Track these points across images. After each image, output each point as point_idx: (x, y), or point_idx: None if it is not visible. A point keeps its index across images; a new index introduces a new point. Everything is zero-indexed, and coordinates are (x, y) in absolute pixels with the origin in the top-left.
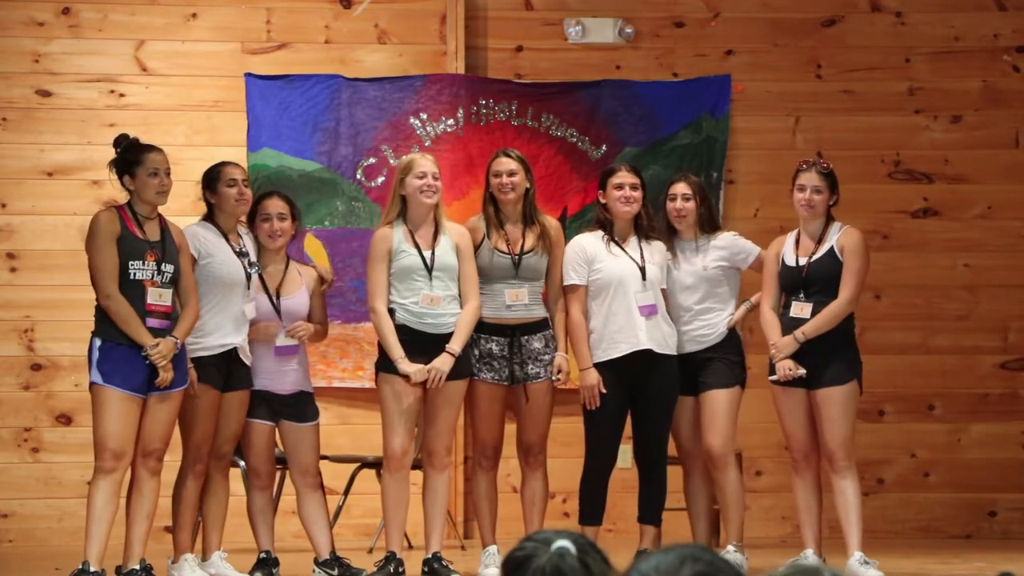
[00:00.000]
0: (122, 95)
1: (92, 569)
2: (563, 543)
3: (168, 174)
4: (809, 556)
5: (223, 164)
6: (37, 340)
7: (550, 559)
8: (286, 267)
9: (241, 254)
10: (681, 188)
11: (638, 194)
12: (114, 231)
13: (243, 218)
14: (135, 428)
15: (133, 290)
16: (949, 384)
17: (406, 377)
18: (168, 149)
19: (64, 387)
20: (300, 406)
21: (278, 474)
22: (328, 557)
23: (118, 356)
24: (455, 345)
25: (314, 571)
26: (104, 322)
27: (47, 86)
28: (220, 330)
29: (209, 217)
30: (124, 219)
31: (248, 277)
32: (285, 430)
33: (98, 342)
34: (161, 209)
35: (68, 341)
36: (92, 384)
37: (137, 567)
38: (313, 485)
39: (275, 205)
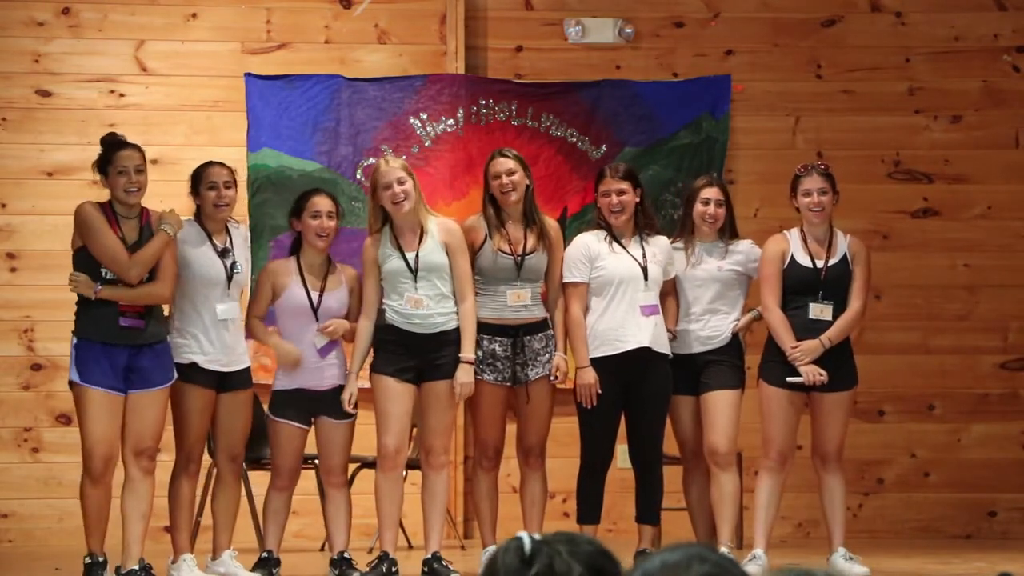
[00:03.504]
0: (122, 95)
1: (100, 559)
2: (520, 535)
3: (139, 171)
4: (759, 556)
5: (208, 165)
6: (37, 340)
7: (495, 551)
8: (328, 265)
9: (224, 253)
10: (715, 193)
11: (626, 198)
12: (104, 218)
13: (233, 216)
14: (119, 427)
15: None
16: (949, 384)
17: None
18: (168, 149)
19: (64, 387)
20: (337, 401)
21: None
22: (336, 556)
23: (92, 354)
24: (468, 353)
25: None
26: (81, 319)
27: (47, 86)
28: (204, 348)
29: (196, 215)
30: (107, 216)
31: (229, 277)
32: (320, 426)
33: (75, 340)
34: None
35: (68, 341)
36: (71, 382)
37: (136, 567)
38: (337, 484)
39: (325, 203)
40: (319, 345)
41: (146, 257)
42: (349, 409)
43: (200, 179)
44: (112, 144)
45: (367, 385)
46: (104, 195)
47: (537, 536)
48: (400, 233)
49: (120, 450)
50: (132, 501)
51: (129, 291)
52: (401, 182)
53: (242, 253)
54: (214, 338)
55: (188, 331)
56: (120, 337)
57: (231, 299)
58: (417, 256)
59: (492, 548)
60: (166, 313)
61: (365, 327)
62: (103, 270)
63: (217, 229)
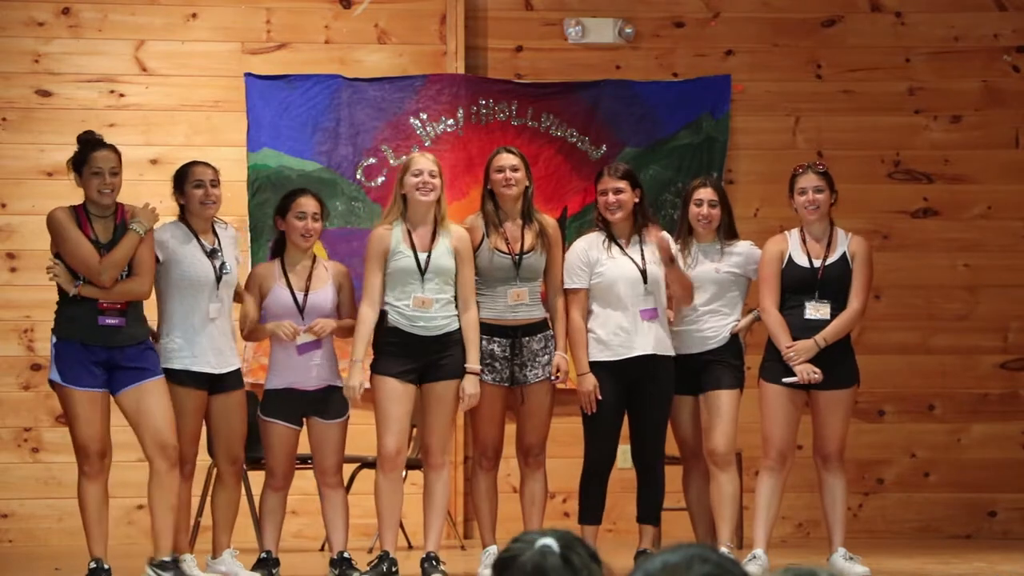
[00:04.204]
0: (122, 95)
1: (105, 567)
2: (546, 541)
3: (114, 174)
4: (759, 555)
5: (192, 164)
6: (37, 340)
7: (532, 556)
8: (312, 264)
9: (212, 253)
10: (708, 194)
11: (623, 197)
12: (73, 223)
13: (219, 216)
14: (107, 425)
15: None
16: (949, 384)
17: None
18: (168, 149)
19: None
20: (327, 401)
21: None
22: (335, 556)
23: (73, 354)
24: (474, 364)
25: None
26: (60, 319)
27: (47, 86)
28: (194, 350)
29: (181, 216)
30: (80, 218)
31: (218, 278)
32: (311, 427)
33: (54, 339)
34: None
35: None
36: (51, 382)
37: (167, 559)
38: (332, 484)
39: (311, 204)
40: (299, 342)
41: (116, 259)
42: (358, 398)
43: (185, 178)
44: (88, 143)
45: (364, 385)
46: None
47: (553, 540)
48: (413, 230)
49: (111, 446)
50: (158, 494)
51: (126, 287)
52: (433, 175)
53: (231, 253)
54: (204, 340)
55: (176, 334)
56: (100, 337)
57: (220, 300)
58: (429, 256)
59: (493, 548)
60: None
61: (367, 314)
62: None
63: (204, 228)
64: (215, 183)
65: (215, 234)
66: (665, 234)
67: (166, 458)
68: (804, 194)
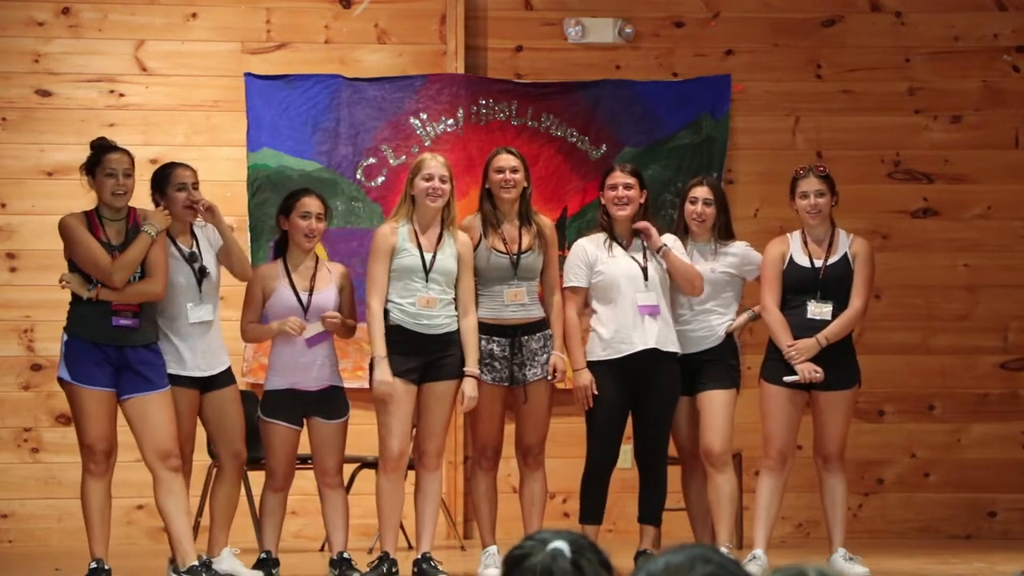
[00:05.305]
0: (122, 95)
1: (106, 567)
2: (558, 544)
3: (127, 176)
4: (759, 556)
5: (174, 166)
6: (37, 340)
7: (542, 560)
8: (316, 264)
9: (191, 258)
10: (703, 192)
11: (632, 193)
12: (84, 227)
13: (200, 218)
14: (114, 424)
15: None
16: (949, 384)
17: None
18: (168, 149)
19: None
20: (330, 401)
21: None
22: (335, 556)
23: (81, 353)
24: (473, 367)
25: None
26: (72, 318)
27: (47, 86)
28: (182, 355)
29: None
30: (91, 222)
31: (199, 281)
32: (312, 426)
33: (65, 337)
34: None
35: None
36: (60, 379)
37: (196, 563)
38: (332, 484)
39: (315, 204)
40: (309, 335)
41: (128, 260)
42: (393, 393)
43: (168, 180)
44: (99, 147)
45: (365, 385)
46: (92, 199)
47: (565, 544)
48: (420, 230)
49: (117, 446)
50: (169, 501)
51: (140, 288)
52: (443, 180)
53: (211, 252)
54: (192, 345)
55: (164, 341)
56: (112, 337)
57: (204, 303)
58: (434, 257)
59: (492, 548)
60: None
61: (377, 309)
62: None
63: (182, 231)
64: (196, 185)
65: (193, 235)
66: (646, 223)
67: (167, 466)
68: (806, 198)
